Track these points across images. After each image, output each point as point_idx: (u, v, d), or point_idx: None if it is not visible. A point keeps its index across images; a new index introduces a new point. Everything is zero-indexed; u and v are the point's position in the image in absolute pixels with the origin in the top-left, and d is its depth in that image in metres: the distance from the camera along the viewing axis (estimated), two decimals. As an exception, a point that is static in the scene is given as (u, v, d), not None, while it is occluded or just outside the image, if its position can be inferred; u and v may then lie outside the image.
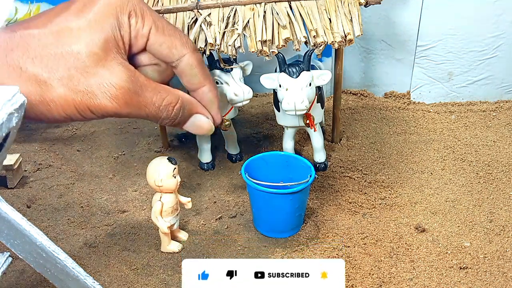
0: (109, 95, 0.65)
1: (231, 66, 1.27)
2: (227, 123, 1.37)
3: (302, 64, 1.21)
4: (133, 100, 0.67)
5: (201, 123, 0.80)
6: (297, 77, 1.19)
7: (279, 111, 1.32)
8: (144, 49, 0.74)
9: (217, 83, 1.26)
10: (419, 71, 1.70)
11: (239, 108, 1.45)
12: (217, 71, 1.26)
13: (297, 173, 1.17)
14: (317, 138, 1.38)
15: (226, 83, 1.25)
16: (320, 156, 1.40)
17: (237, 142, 1.47)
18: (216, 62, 1.26)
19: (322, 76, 1.24)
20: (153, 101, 0.70)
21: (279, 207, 1.11)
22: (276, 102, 1.31)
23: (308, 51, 1.21)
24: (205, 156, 1.43)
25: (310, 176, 1.12)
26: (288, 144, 1.39)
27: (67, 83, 0.63)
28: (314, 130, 1.34)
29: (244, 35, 1.25)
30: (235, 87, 1.24)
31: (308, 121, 1.30)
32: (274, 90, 1.29)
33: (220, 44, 1.24)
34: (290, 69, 1.20)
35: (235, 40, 1.23)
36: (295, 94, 1.18)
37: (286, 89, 1.19)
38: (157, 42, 0.73)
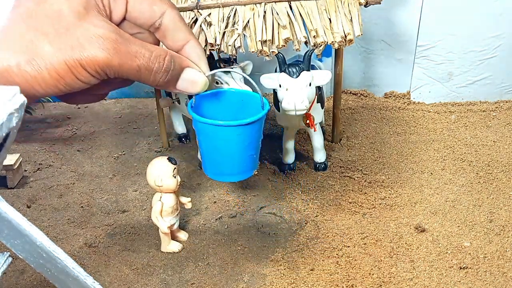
0: (98, 45, 0.64)
1: (231, 67, 1.27)
2: None
3: (302, 64, 1.21)
4: (122, 48, 0.66)
5: (194, 77, 0.78)
6: (297, 77, 1.19)
7: (279, 111, 1.32)
8: (123, 19, 0.74)
9: (217, 83, 1.26)
10: (419, 71, 1.70)
11: None
12: (217, 72, 1.26)
13: (254, 112, 1.03)
14: (317, 138, 1.38)
15: (226, 83, 1.25)
16: (320, 156, 1.40)
17: None
18: (216, 63, 1.26)
19: (322, 76, 1.24)
20: (142, 52, 0.69)
21: (226, 144, 0.99)
22: (276, 102, 1.31)
23: (308, 51, 1.21)
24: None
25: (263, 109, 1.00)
26: (288, 144, 1.39)
27: (54, 39, 0.62)
28: (314, 130, 1.34)
29: (244, 35, 1.25)
30: (235, 87, 1.24)
31: (308, 121, 1.30)
32: (274, 90, 1.29)
33: (220, 44, 1.24)
34: (290, 69, 1.20)
35: (235, 40, 1.23)
36: (295, 94, 1.18)
37: (286, 89, 1.19)
38: (137, 0, 0.73)
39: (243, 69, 1.32)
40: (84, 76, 0.65)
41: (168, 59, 0.73)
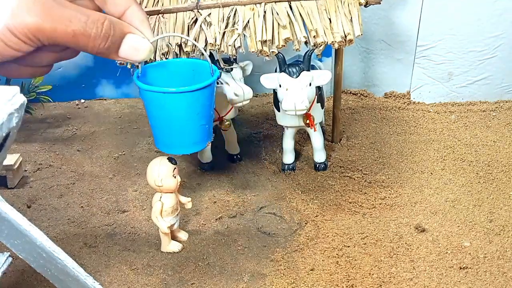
0: (27, 8, 0.62)
1: (231, 66, 1.27)
2: (227, 123, 1.37)
3: (302, 64, 1.21)
4: (54, 12, 0.63)
5: (137, 44, 0.73)
6: (297, 77, 1.19)
7: (279, 111, 1.32)
8: None
9: (217, 83, 1.26)
10: (419, 71, 1.70)
11: (239, 108, 1.45)
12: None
13: (205, 80, 0.99)
14: (317, 138, 1.38)
15: (226, 83, 1.26)
16: (320, 156, 1.40)
17: (237, 142, 1.47)
18: (216, 62, 1.26)
19: (322, 76, 1.24)
20: (78, 17, 0.65)
21: (175, 113, 0.95)
22: (276, 102, 1.31)
23: (308, 51, 1.21)
24: (205, 156, 1.43)
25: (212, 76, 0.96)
26: (288, 144, 1.39)
27: None
28: (314, 130, 1.35)
29: (244, 35, 1.25)
30: (236, 87, 1.24)
31: (308, 121, 1.30)
32: (274, 90, 1.29)
33: (220, 44, 1.24)
34: (290, 69, 1.20)
35: (235, 40, 1.23)
36: (295, 94, 1.18)
37: (286, 89, 1.19)
38: None
39: (243, 69, 1.32)
40: (14, 42, 0.61)
41: (107, 24, 0.69)
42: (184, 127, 0.98)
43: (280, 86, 1.21)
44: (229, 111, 1.36)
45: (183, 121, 0.96)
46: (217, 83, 1.25)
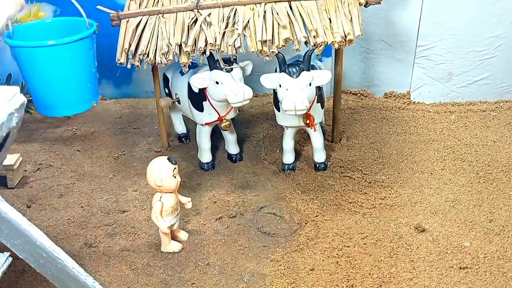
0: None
1: (231, 66, 1.27)
2: (227, 123, 1.37)
3: (302, 64, 1.21)
4: None
5: None
6: (297, 77, 1.19)
7: (279, 111, 1.32)
8: None
9: (217, 83, 1.26)
10: (419, 71, 1.70)
11: (239, 108, 1.45)
12: (217, 71, 1.26)
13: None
14: (317, 138, 1.38)
15: (226, 84, 1.26)
16: (320, 156, 1.40)
17: (237, 142, 1.47)
18: (216, 62, 1.26)
19: (322, 76, 1.24)
20: None
21: (52, 70, 0.92)
22: (276, 102, 1.31)
23: (308, 51, 1.21)
24: (205, 156, 1.43)
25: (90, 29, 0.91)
26: (288, 144, 1.39)
27: None
28: (314, 130, 1.34)
29: (244, 35, 1.25)
30: (235, 88, 1.24)
31: (308, 121, 1.30)
32: (274, 90, 1.29)
33: (220, 44, 1.24)
34: (290, 69, 1.20)
35: (235, 40, 1.23)
36: (295, 94, 1.18)
37: (286, 89, 1.19)
38: None
39: (243, 69, 1.31)
40: None
41: None
42: (64, 85, 0.94)
43: (280, 86, 1.21)
44: (229, 111, 1.36)
45: (61, 79, 0.92)
46: (217, 83, 1.25)
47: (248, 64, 1.33)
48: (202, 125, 1.38)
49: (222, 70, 1.26)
